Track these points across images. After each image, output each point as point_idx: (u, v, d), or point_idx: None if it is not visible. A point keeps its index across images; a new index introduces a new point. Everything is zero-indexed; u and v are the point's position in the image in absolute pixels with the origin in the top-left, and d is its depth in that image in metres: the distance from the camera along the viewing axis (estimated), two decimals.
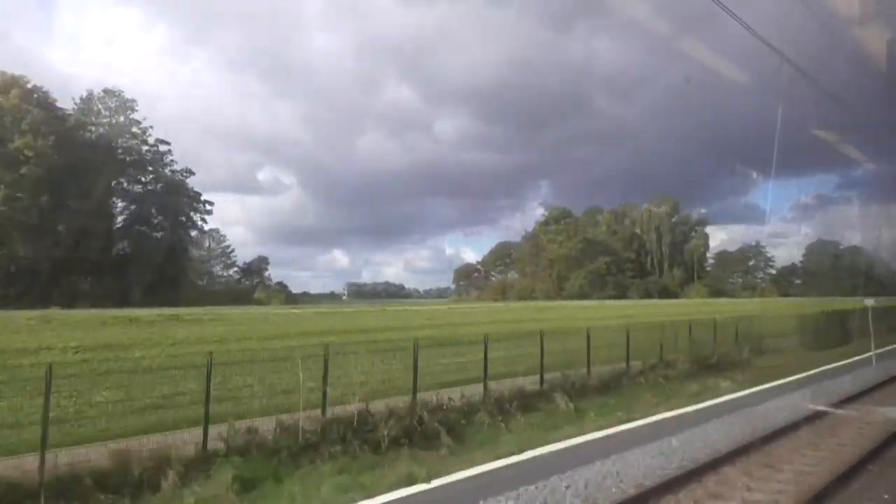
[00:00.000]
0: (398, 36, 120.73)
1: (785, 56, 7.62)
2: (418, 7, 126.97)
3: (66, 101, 70.48)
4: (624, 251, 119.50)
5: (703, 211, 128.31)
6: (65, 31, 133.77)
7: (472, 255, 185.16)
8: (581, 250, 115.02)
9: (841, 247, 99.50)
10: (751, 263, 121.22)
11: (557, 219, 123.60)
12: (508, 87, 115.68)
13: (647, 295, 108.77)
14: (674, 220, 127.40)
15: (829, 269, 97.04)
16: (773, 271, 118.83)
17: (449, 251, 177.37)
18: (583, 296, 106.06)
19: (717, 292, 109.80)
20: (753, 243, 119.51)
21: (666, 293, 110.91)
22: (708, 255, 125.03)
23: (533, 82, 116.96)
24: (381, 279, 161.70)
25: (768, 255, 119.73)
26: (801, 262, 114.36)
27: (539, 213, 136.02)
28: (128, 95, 76.40)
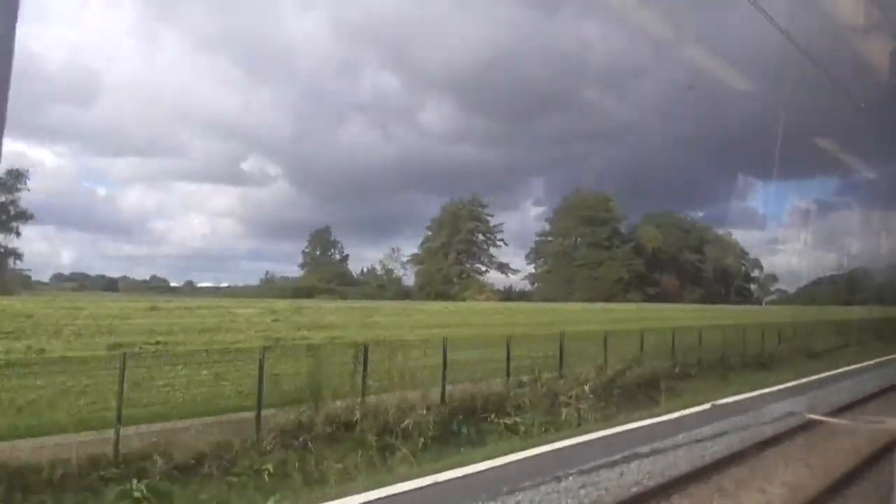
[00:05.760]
0: (380, 19, 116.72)
1: (790, 37, 7.67)
2: None
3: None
4: None
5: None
6: (30, 7, 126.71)
7: None
8: None
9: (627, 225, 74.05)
10: (466, 237, 73.44)
11: None
12: (494, 76, 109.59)
13: None
14: None
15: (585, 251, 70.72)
16: (499, 247, 75.17)
17: None
18: None
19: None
20: (468, 198, 73.55)
21: None
22: None
23: (521, 72, 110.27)
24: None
25: (490, 222, 74.46)
26: (536, 239, 78.11)
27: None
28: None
